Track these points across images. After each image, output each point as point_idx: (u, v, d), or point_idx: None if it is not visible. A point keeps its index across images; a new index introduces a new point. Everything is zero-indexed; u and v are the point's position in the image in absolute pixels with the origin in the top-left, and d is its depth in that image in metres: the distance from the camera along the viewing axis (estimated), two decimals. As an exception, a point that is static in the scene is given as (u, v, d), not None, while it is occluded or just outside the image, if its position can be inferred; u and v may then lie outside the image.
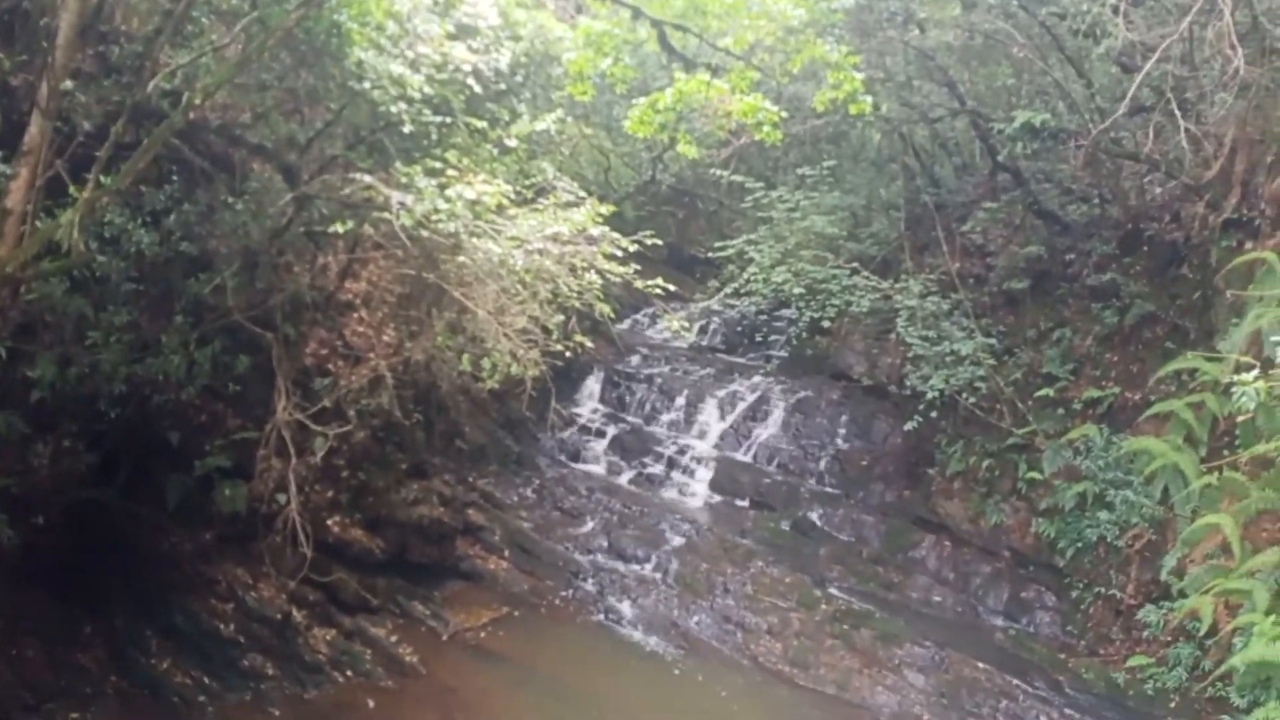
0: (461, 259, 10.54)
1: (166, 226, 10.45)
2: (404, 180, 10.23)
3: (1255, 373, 7.32)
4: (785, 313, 19.98)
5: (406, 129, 10.63)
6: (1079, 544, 14.07)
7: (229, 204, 10.80)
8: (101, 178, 8.47)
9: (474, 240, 10.34)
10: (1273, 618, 10.64)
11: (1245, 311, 12.85)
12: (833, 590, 14.62)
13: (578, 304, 11.69)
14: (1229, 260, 13.57)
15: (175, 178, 10.76)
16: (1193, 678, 12.40)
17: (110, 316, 10.02)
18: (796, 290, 16.73)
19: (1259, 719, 10.46)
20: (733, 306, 20.35)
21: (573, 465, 18.04)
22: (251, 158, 11.37)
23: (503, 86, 12.31)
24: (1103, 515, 13.90)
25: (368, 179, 10.12)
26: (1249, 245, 13.53)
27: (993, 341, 15.85)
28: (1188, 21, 11.15)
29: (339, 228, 10.15)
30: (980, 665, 12.99)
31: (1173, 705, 12.44)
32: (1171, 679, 12.56)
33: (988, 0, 14.69)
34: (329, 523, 12.27)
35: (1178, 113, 12.21)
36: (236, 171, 11.17)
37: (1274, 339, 7.20)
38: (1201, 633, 11.96)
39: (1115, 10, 11.99)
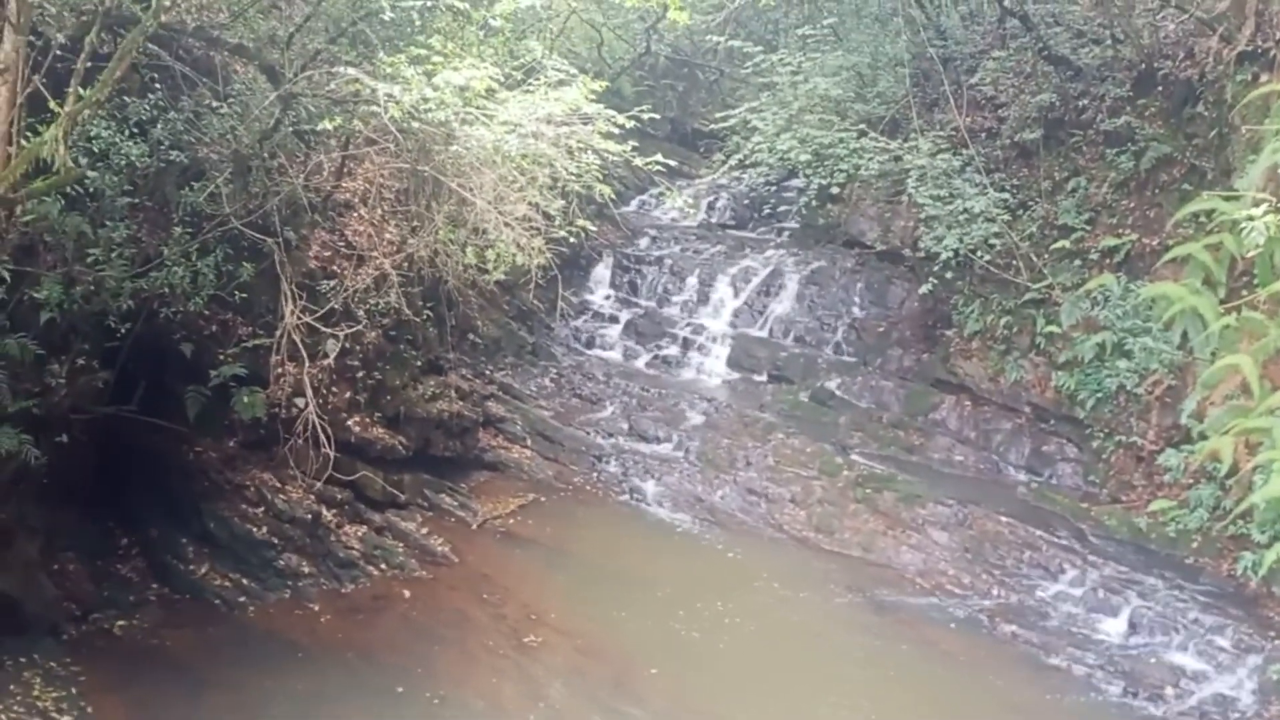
0: (455, 148, 10.33)
1: (154, 136, 10.29)
2: (389, 71, 9.96)
3: (1265, 208, 7.09)
4: (794, 183, 19.62)
5: (387, 16, 10.33)
6: (1099, 394, 14.04)
7: (214, 109, 10.59)
8: (80, 90, 8.26)
9: (466, 128, 10.12)
10: (1293, 453, 10.63)
11: (1262, 147, 12.47)
12: (854, 457, 14.73)
13: (578, 187, 11.50)
14: (1245, 95, 13.10)
15: (158, 86, 10.54)
16: (1214, 518, 12.50)
17: (109, 232, 9.94)
18: (803, 157, 16.39)
19: (1280, 553, 10.58)
20: (740, 180, 20.03)
21: (588, 352, 18.08)
22: (232, 59, 11.09)
23: (484, -36, 11.86)
24: (1122, 364, 13.82)
25: (352, 72, 9.85)
26: (1264, 78, 13.03)
27: (1006, 196, 15.52)
28: None
29: (328, 125, 9.93)
30: (1003, 519, 13.15)
31: (1195, 545, 12.59)
32: (1193, 520, 12.66)
33: None
34: (349, 423, 12.36)
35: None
36: (219, 75, 10.91)
37: (1291, 169, 6.93)
38: (1222, 473, 12.01)
39: None
